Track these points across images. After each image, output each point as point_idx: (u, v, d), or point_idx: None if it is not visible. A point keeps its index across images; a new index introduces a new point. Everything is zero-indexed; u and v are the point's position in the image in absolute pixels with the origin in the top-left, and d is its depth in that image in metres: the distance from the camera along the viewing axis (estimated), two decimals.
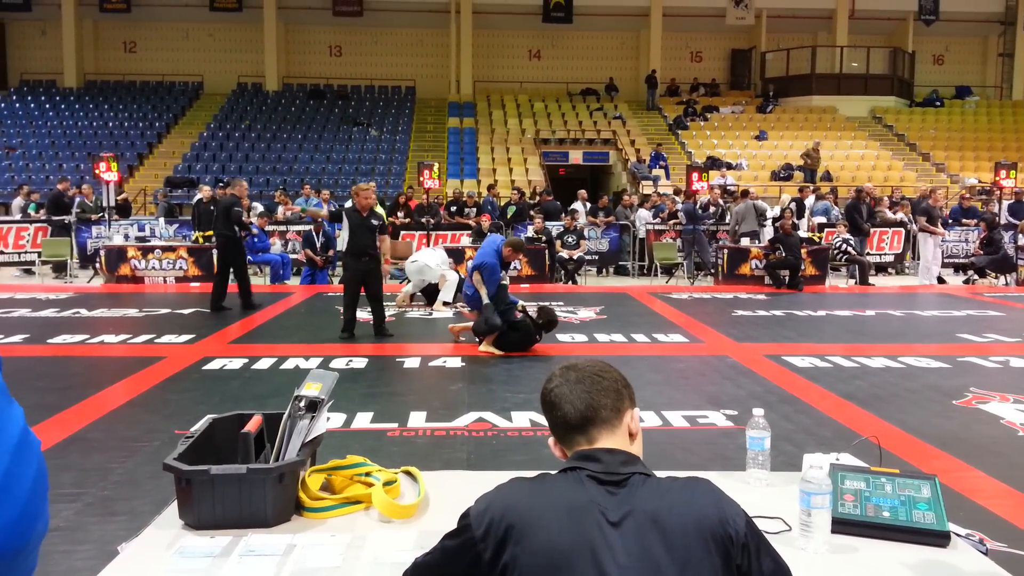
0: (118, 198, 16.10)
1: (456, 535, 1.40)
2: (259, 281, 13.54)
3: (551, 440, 1.57)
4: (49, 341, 8.01)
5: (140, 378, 6.44)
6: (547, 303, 8.43)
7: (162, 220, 15.31)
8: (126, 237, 13.75)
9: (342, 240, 13.32)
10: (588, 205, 16.42)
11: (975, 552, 1.85)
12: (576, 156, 23.96)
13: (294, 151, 23.42)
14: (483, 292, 7.66)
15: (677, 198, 16.39)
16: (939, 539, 1.86)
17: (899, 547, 1.84)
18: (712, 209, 15.17)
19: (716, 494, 1.44)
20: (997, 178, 16.20)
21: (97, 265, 13.67)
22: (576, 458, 1.48)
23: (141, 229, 14.19)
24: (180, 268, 13.13)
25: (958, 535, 1.94)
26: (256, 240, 13.14)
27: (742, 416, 5.26)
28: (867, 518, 1.90)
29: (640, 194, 18.59)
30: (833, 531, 1.87)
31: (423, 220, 14.78)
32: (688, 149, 23.49)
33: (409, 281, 10.88)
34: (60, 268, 14.30)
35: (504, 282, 7.88)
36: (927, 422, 5.33)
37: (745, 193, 14.60)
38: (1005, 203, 16.20)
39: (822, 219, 15.82)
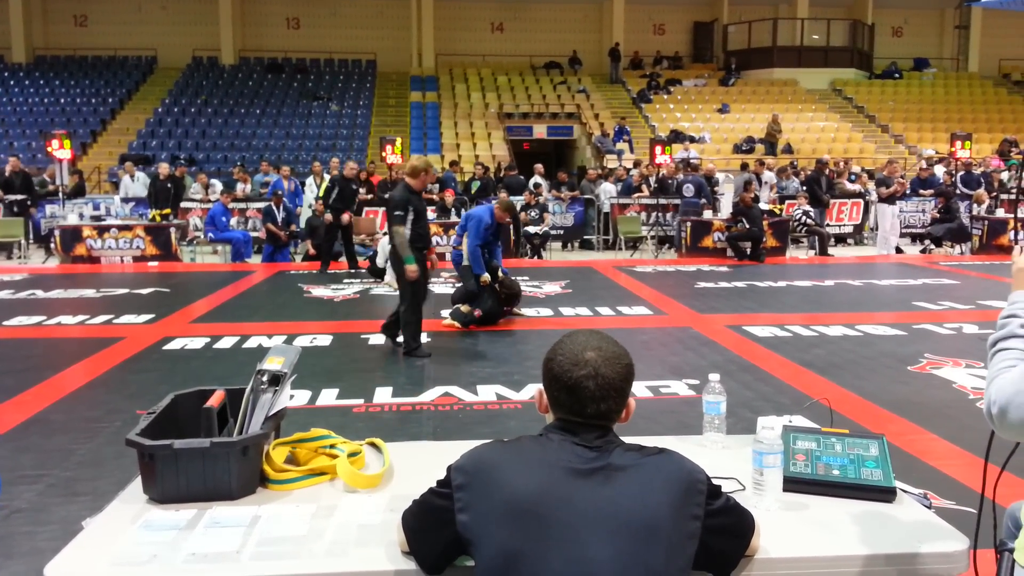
0: (71, 178, 15.76)
1: (440, 484, 1.56)
2: (218, 260, 13.40)
3: (540, 395, 1.66)
4: (4, 323, 7.87)
5: (99, 359, 6.37)
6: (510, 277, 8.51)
7: (117, 199, 15.03)
8: (81, 216, 13.47)
9: (303, 217, 13.24)
10: (547, 182, 16.46)
11: (919, 506, 1.94)
12: (540, 130, 23.92)
13: (252, 126, 23.06)
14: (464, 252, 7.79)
15: (634, 170, 16.53)
16: (885, 495, 1.94)
17: (848, 503, 1.92)
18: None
19: (685, 459, 1.57)
20: (952, 149, 16.54)
21: (52, 245, 13.40)
22: (555, 427, 1.58)
23: (96, 208, 13.91)
24: (137, 247, 12.93)
25: (905, 491, 2.02)
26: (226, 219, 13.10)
27: (703, 385, 5.36)
28: (817, 476, 1.98)
29: (604, 168, 18.66)
30: (785, 489, 1.95)
31: (386, 196, 14.69)
32: (652, 122, 23.58)
33: (372, 259, 10.87)
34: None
35: (497, 259, 8.02)
36: (882, 387, 5.49)
37: (744, 167, 15.84)
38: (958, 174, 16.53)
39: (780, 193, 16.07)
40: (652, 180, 15.65)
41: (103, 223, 13.12)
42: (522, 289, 8.34)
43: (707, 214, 13.98)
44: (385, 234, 11.53)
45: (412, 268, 6.35)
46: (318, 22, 27.22)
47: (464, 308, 7.68)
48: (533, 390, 4.56)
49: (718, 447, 2.29)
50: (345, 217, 11.60)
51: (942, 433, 4.54)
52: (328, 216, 11.60)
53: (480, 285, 7.68)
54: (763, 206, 14.05)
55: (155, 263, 12.74)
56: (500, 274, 7.91)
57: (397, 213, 6.30)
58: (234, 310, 8.72)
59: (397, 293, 9.67)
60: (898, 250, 14.24)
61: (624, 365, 1.58)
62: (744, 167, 16.68)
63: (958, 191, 15.57)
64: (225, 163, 20.26)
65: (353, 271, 11.60)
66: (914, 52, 28.90)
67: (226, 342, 6.95)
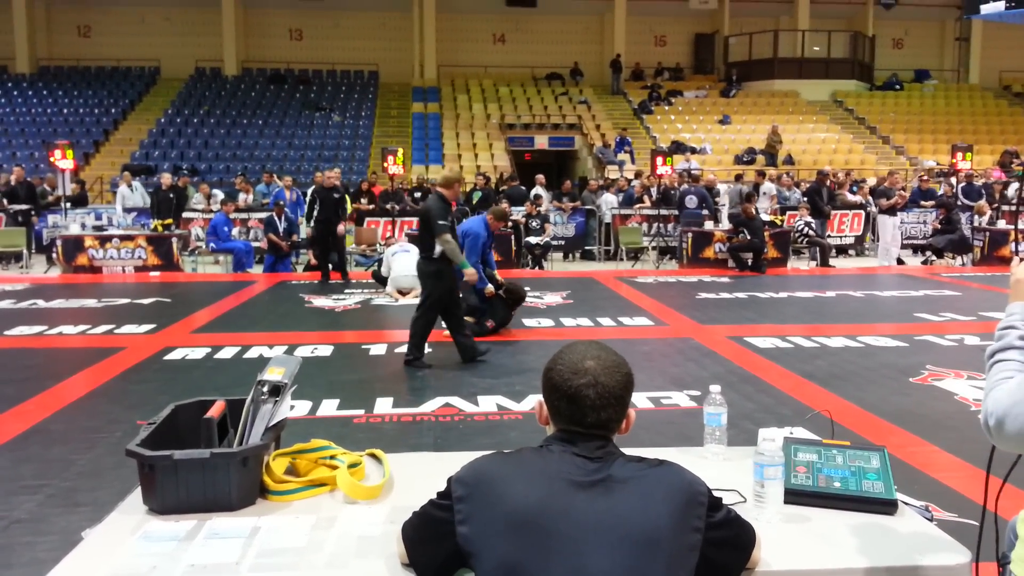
0: (73, 187, 15.81)
1: (440, 497, 1.56)
2: (220, 270, 13.42)
3: (540, 407, 1.66)
4: (6, 333, 7.87)
5: (100, 369, 6.37)
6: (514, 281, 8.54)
7: (119, 208, 15.06)
8: (83, 226, 13.50)
9: (305, 226, 13.25)
10: (549, 192, 16.51)
11: (920, 518, 1.93)
12: (542, 141, 23.98)
13: (255, 137, 23.13)
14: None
15: (635, 181, 16.59)
16: (887, 507, 1.94)
17: (849, 515, 1.91)
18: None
19: (686, 471, 1.57)
20: (954, 160, 16.57)
21: (54, 255, 13.42)
22: (555, 439, 1.59)
23: (98, 218, 13.95)
24: (139, 257, 12.94)
25: (906, 504, 2.02)
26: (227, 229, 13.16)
27: (704, 396, 5.36)
28: (819, 488, 1.97)
29: (606, 178, 18.70)
30: (786, 502, 1.95)
31: (388, 207, 14.72)
32: (653, 133, 23.63)
33: (378, 266, 10.88)
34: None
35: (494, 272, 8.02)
36: (884, 399, 5.48)
37: (738, 178, 16.09)
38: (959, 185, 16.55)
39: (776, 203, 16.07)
40: (654, 191, 15.68)
41: (105, 233, 13.15)
42: (525, 293, 8.37)
43: (708, 225, 14.00)
44: (387, 244, 11.60)
45: (471, 271, 6.49)
46: (320, 33, 27.35)
47: (468, 319, 7.67)
48: (534, 401, 4.56)
49: (719, 459, 2.29)
50: (340, 229, 11.69)
51: (944, 445, 4.53)
52: (307, 229, 11.71)
53: (486, 298, 7.68)
54: (764, 217, 14.06)
55: (156, 273, 12.75)
56: (498, 278, 7.91)
57: (442, 223, 6.22)
58: (235, 320, 8.72)
59: (398, 303, 9.75)
60: (899, 261, 14.24)
61: (624, 374, 1.59)
62: (738, 178, 16.72)
63: (959, 202, 15.59)
64: (227, 173, 20.31)
65: (344, 282, 11.56)
66: (915, 64, 28.99)
67: (227, 352, 6.95)
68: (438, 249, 6.29)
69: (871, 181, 17.47)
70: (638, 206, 15.64)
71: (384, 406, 5.32)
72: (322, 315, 9.08)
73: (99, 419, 5.05)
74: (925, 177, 17.24)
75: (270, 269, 12.88)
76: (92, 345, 7.35)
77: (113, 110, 24.07)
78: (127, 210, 15.09)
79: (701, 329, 8.02)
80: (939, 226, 15.00)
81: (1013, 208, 14.62)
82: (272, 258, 12.95)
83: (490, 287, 7.66)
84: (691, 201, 14.43)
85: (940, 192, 16.31)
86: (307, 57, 27.11)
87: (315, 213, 11.61)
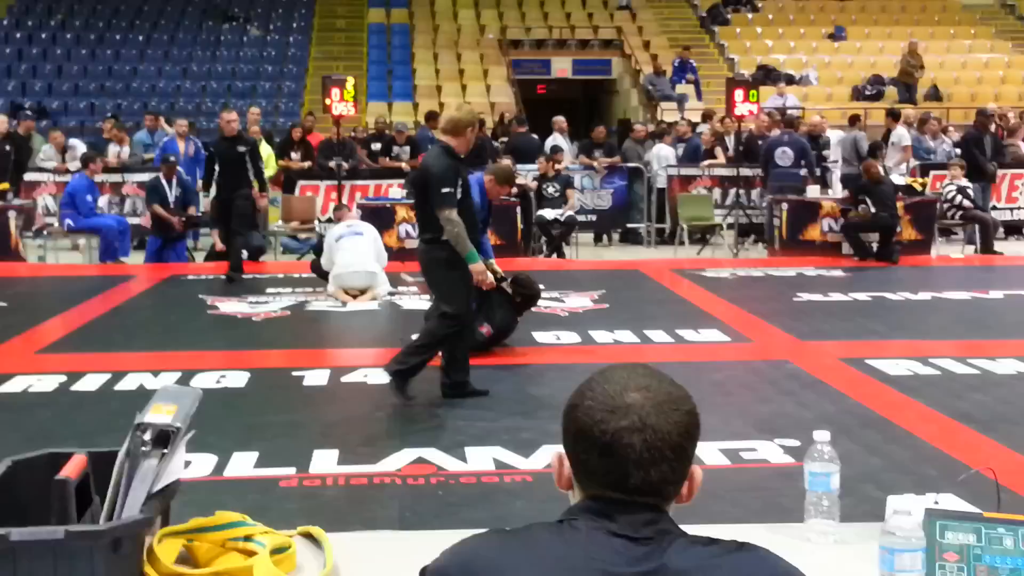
0: None
1: None
2: (81, 259, 13.44)
3: (560, 461, 1.64)
4: None
5: None
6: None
7: None
8: None
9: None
10: (573, 144, 16.51)
11: None
12: (563, 67, 23.97)
13: (132, 61, 23.16)
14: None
15: (703, 125, 16.62)
16: None
17: None
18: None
19: (779, 559, 1.53)
20: None
21: None
22: (582, 510, 1.57)
23: None
24: None
25: None
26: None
27: (806, 448, 5.35)
28: None
29: (659, 122, 18.70)
30: None
31: (331, 165, 14.72)
32: (729, 55, 23.64)
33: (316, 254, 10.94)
34: None
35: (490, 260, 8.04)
36: None
37: (854, 120, 16.12)
38: None
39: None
40: (731, 140, 15.68)
41: None
42: (541, 290, 8.37)
43: (812, 191, 13.99)
44: (330, 220, 11.60)
45: (479, 267, 6.52)
46: None
47: None
48: (550, 454, 4.55)
49: (829, 540, 2.30)
50: (263, 203, 11.69)
51: None
52: (206, 200, 11.77)
53: (482, 291, 7.68)
54: (897, 180, 14.04)
55: None
56: (498, 269, 7.92)
57: (445, 191, 6.14)
58: (103, 334, 8.74)
59: (344, 308, 9.76)
60: None
61: (684, 412, 1.57)
62: (854, 121, 16.59)
63: None
64: (92, 115, 20.37)
65: (232, 278, 11.22)
66: None
67: (90, 382, 6.96)
68: None
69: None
70: (707, 163, 15.64)
71: (326, 462, 5.31)
72: (233, 326, 9.09)
73: None
74: None
75: (155, 257, 12.91)
76: None
77: None
78: None
79: (801, 347, 8.03)
80: None
81: None
82: (158, 241, 12.98)
83: (490, 277, 7.64)
84: (785, 156, 14.42)
85: None
86: None
87: (215, 175, 11.53)
